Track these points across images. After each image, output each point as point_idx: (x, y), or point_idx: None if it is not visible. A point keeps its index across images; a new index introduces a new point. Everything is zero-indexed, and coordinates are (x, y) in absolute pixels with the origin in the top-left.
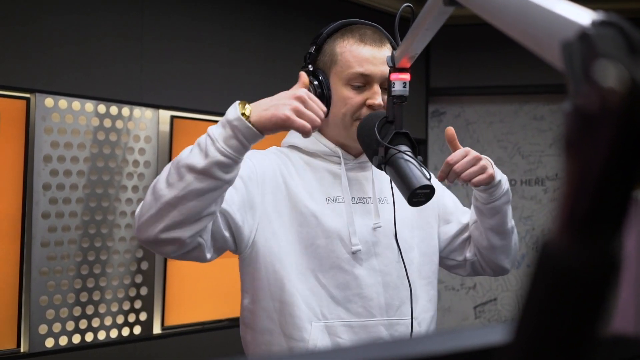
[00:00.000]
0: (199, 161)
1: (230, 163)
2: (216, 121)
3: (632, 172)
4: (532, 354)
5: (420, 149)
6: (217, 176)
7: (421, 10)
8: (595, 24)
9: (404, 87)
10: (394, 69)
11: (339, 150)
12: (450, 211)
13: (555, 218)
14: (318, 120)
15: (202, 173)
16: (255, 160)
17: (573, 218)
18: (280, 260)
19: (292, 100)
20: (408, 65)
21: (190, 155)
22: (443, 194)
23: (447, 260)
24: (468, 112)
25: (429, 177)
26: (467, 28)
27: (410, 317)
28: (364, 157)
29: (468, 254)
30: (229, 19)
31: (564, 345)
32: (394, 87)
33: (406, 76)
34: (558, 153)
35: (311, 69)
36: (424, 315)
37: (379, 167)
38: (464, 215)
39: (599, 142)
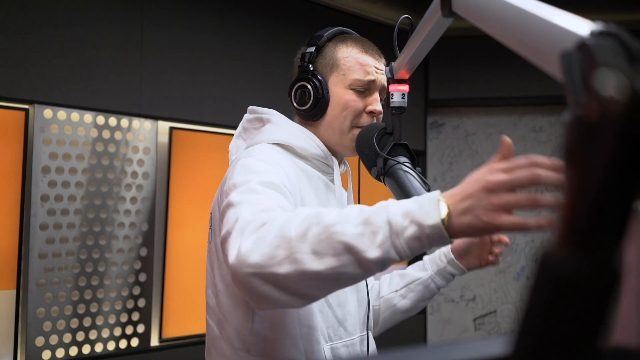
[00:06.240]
0: (370, 250)
1: (398, 260)
2: (215, 132)
3: (633, 183)
4: None
5: (419, 160)
6: (377, 269)
7: (420, 22)
8: (594, 34)
9: (403, 98)
10: (392, 80)
11: (333, 159)
12: None
13: (555, 229)
14: (540, 203)
15: (365, 263)
16: (286, 170)
17: (573, 228)
18: None
19: (488, 195)
20: (407, 76)
21: (357, 235)
22: None
23: None
24: (467, 123)
25: (428, 188)
26: (465, 40)
27: (366, 330)
28: (342, 167)
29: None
30: (228, 31)
31: (564, 357)
32: (392, 98)
33: (405, 87)
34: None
35: (311, 69)
36: (371, 324)
37: (377, 178)
38: None
39: (600, 151)
